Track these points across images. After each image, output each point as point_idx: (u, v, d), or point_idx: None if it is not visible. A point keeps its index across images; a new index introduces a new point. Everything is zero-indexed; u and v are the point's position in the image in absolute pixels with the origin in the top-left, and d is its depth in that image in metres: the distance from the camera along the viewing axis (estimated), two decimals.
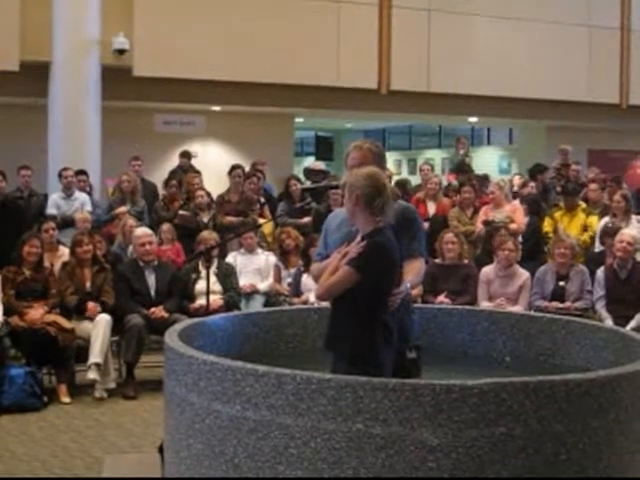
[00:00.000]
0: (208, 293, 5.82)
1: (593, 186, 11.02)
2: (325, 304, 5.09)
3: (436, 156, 21.10)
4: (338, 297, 3.91)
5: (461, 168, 11.98)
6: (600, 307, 8.01)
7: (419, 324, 4.65)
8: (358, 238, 3.92)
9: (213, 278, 8.01)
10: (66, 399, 7.29)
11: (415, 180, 15.08)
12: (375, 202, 3.89)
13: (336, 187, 4.67)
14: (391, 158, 21.89)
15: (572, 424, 3.36)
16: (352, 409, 3.27)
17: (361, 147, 4.36)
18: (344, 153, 4.47)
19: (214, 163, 14.42)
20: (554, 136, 16.38)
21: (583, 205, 10.43)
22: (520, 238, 9.87)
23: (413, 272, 4.25)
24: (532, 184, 11.75)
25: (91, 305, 7.72)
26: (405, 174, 20.45)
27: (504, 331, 5.19)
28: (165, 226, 9.62)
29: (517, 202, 10.37)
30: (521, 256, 8.67)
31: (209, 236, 8.67)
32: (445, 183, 12.70)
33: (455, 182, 12.01)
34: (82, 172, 10.94)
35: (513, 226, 9.54)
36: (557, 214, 10.33)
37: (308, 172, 12.75)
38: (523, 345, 5.08)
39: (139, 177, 11.36)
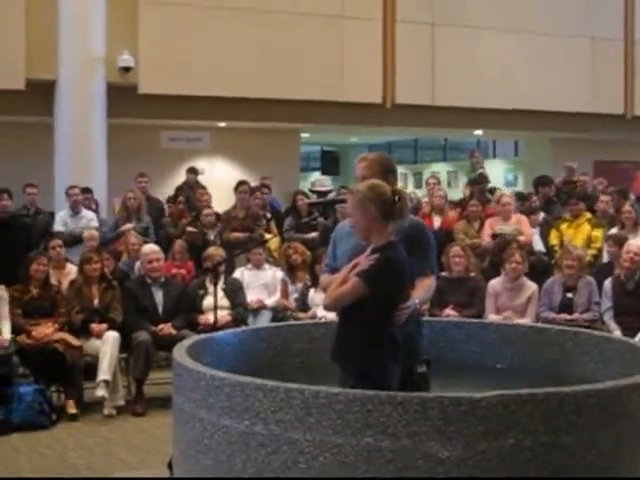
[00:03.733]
0: (215, 309, 5.85)
1: (604, 197, 10.99)
2: (332, 317, 5.12)
3: (442, 169, 21.11)
4: (346, 309, 3.91)
5: (477, 181, 11.94)
6: (608, 318, 8.00)
7: (427, 337, 4.65)
8: (368, 250, 3.90)
9: (220, 294, 8.04)
10: (73, 410, 7.28)
11: (421, 193, 15.09)
12: (395, 206, 3.88)
13: (342, 201, 4.67)
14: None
15: (581, 435, 3.36)
16: (361, 423, 3.27)
17: (366, 158, 4.38)
18: (353, 166, 4.49)
19: (220, 179, 14.44)
20: (559, 148, 16.40)
21: (588, 215, 10.41)
22: (543, 249, 9.91)
23: (423, 289, 4.24)
24: (534, 197, 11.72)
25: (95, 326, 7.73)
26: (411, 188, 20.47)
27: (512, 343, 5.18)
28: (178, 244, 9.62)
29: (521, 215, 10.32)
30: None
31: (216, 252, 8.69)
32: (459, 196, 12.74)
33: (467, 193, 11.99)
34: (86, 190, 10.96)
35: (522, 238, 9.52)
36: (562, 226, 10.33)
37: (313, 191, 12.76)
38: (531, 357, 5.08)
39: (145, 194, 11.39)
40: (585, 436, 3.37)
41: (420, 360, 4.23)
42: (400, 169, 22.63)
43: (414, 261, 4.08)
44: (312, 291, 8.52)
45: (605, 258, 9.53)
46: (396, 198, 3.91)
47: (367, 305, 3.80)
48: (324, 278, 4.42)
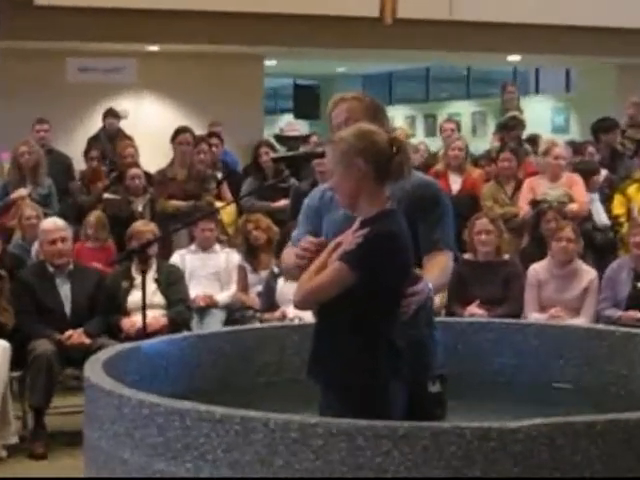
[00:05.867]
0: (144, 308, 5.82)
1: None
2: (309, 318, 5.11)
3: (464, 110, 21.14)
4: (326, 305, 3.90)
5: (509, 126, 11.95)
6: None
7: (443, 344, 4.66)
8: (356, 224, 3.90)
9: (152, 286, 8.04)
10: None
11: (435, 143, 15.09)
12: (393, 161, 3.88)
13: (321, 155, 4.67)
14: (400, 114, 21.89)
15: None
16: (349, 464, 3.28)
17: (344, 98, 4.39)
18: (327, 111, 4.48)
19: (151, 126, 14.41)
20: (628, 79, 16.42)
21: None
22: (607, 221, 9.96)
23: (438, 268, 4.25)
24: (590, 149, 11.72)
25: None
26: (421, 136, 20.45)
27: (561, 352, 5.22)
28: (93, 217, 9.58)
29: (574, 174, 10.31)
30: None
31: (145, 228, 8.67)
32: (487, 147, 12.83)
33: (496, 144, 12.03)
34: None
35: (574, 207, 9.53)
36: (630, 189, 10.34)
37: (281, 139, 12.73)
38: (588, 371, 5.11)
39: (45, 147, 11.33)
40: None
41: (433, 376, 4.24)
42: (405, 110, 22.76)
43: (421, 234, 4.10)
44: (281, 282, 8.51)
45: None
46: (394, 149, 3.90)
47: (355, 300, 3.81)
48: (288, 252, 4.42)
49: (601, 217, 10.13)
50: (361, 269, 3.78)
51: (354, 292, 3.80)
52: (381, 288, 3.84)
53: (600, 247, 9.57)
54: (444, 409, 4.24)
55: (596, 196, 10.36)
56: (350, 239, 3.84)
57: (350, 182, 3.92)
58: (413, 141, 14.14)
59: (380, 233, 3.83)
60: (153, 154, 11.82)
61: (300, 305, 4.12)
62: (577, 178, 10.06)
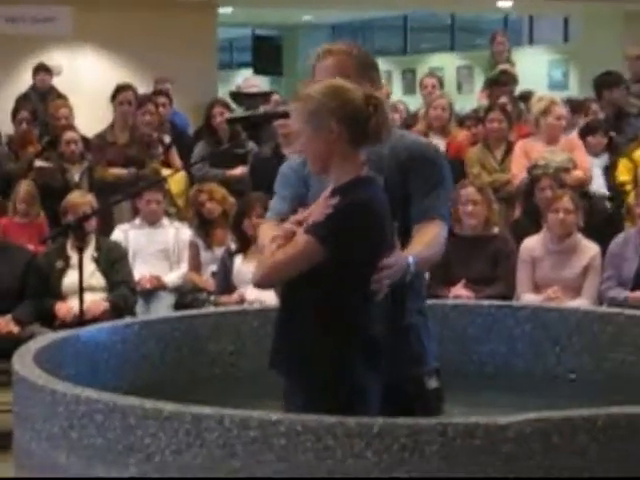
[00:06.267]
0: (82, 291, 5.81)
1: None
2: (271, 301, 5.11)
3: (448, 64, 21.13)
4: (290, 284, 3.91)
5: (498, 81, 11.98)
6: None
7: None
8: (326, 192, 3.91)
9: (91, 266, 8.07)
10: None
11: (414, 102, 15.10)
12: (370, 122, 3.88)
13: (284, 115, 4.65)
14: None
15: None
16: (315, 466, 3.29)
17: (331, 51, 4.33)
18: (309, 63, 4.42)
19: (88, 83, 14.37)
20: (636, 28, 16.44)
21: None
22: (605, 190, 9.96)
23: (424, 240, 4.21)
24: (594, 106, 11.76)
25: None
26: (398, 93, 20.45)
27: (558, 338, 5.25)
28: (23, 188, 9.56)
29: (574, 135, 10.33)
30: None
31: (82, 200, 8.64)
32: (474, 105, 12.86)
33: (484, 103, 12.06)
34: None
35: (577, 173, 9.55)
36: (637, 153, 10.36)
37: (238, 97, 12.69)
38: (589, 358, 5.14)
39: None
40: None
41: (430, 370, 4.27)
42: (381, 64, 22.64)
43: (412, 203, 4.14)
44: (238, 260, 8.52)
45: None
46: (371, 108, 3.90)
47: (324, 277, 3.81)
48: (266, 229, 4.35)
49: (598, 184, 10.12)
50: (331, 243, 3.78)
51: (323, 269, 3.80)
52: (353, 265, 3.84)
53: (594, 218, 9.54)
54: (441, 408, 4.27)
55: (598, 161, 10.38)
56: (320, 209, 3.84)
57: (319, 144, 3.90)
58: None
59: (353, 203, 3.83)
60: (91, 115, 11.80)
61: (261, 283, 4.10)
62: (577, 141, 10.09)
